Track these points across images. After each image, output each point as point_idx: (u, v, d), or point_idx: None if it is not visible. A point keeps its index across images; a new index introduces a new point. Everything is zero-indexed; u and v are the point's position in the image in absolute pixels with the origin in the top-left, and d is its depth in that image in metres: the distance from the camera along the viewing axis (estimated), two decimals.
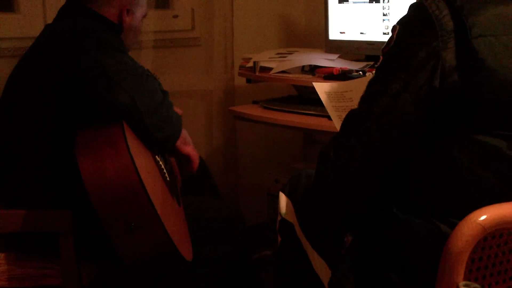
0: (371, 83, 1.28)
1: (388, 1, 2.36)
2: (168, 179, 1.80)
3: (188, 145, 1.91)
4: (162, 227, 1.54)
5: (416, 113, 1.21)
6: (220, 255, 1.96)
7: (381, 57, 1.31)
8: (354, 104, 1.68)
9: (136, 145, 1.63)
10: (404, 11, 2.22)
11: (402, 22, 1.27)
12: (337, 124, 1.66)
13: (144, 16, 2.00)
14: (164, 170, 1.80)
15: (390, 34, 1.28)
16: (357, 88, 1.73)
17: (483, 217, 1.09)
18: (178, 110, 2.02)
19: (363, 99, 1.28)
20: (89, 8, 1.83)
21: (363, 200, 1.32)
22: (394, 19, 2.36)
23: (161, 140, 1.75)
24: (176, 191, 1.93)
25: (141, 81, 1.67)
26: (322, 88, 1.77)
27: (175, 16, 2.81)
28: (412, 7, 1.27)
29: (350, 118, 1.30)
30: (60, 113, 1.68)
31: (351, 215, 1.39)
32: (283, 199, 1.73)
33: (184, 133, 1.88)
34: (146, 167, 1.62)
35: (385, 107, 1.22)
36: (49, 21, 2.36)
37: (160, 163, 1.79)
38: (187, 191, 2.08)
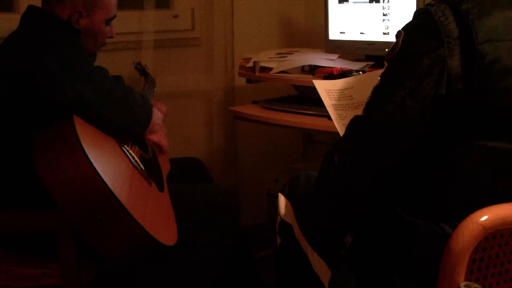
0: (376, 89, 1.28)
1: (388, 1, 2.36)
2: (142, 166, 1.78)
3: (154, 133, 1.90)
4: (129, 215, 1.54)
5: (421, 120, 1.21)
6: (216, 238, 1.97)
7: (385, 63, 1.31)
8: (354, 102, 1.68)
9: (94, 137, 1.64)
10: (404, 11, 2.22)
11: (407, 28, 1.26)
12: (336, 123, 1.66)
13: (109, 19, 1.95)
14: (136, 158, 1.78)
15: (395, 39, 1.27)
16: (357, 85, 1.72)
17: (484, 218, 1.09)
18: (161, 107, 2.03)
19: (368, 105, 1.28)
20: (44, 9, 1.86)
21: (365, 203, 1.32)
22: (394, 19, 2.36)
23: (124, 126, 1.75)
24: (158, 176, 1.92)
25: (85, 72, 1.67)
26: (322, 85, 1.76)
27: (175, 16, 2.81)
28: (417, 13, 1.26)
29: (355, 124, 1.30)
30: (16, 114, 1.69)
31: (353, 217, 1.39)
32: (282, 200, 1.73)
33: (154, 119, 1.87)
34: (106, 158, 1.62)
35: (390, 114, 1.22)
36: None
37: (130, 151, 1.78)
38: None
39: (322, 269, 1.52)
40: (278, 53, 2.67)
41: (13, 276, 1.72)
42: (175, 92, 2.66)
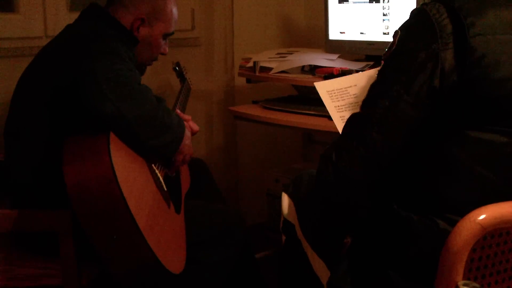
0: (373, 86, 1.30)
1: (388, 1, 2.36)
2: (165, 188, 1.78)
3: (179, 154, 1.86)
4: (145, 242, 1.52)
5: (417, 114, 1.22)
6: (220, 259, 1.96)
7: (382, 62, 1.33)
8: (359, 101, 1.68)
9: (125, 155, 1.62)
10: (404, 11, 2.22)
11: (403, 27, 1.30)
12: (338, 125, 1.65)
13: (166, 35, 1.98)
14: (161, 179, 1.77)
15: (392, 39, 1.30)
16: (361, 82, 1.70)
17: (482, 217, 1.09)
18: (194, 126, 2.01)
19: (365, 102, 1.30)
20: (107, 13, 1.86)
21: (364, 200, 1.33)
22: (394, 19, 2.36)
23: (156, 148, 1.73)
24: (178, 198, 1.91)
25: (130, 89, 1.64)
26: (323, 87, 1.74)
27: None
28: (413, 12, 1.30)
29: (352, 121, 1.32)
30: (55, 114, 1.69)
31: (352, 215, 1.40)
32: (285, 199, 1.74)
33: (183, 141, 1.84)
34: (133, 179, 1.60)
35: (386, 110, 1.24)
36: (49, 21, 2.39)
37: (157, 171, 1.77)
38: (188, 194, 2.08)
39: (321, 269, 1.53)
40: (278, 53, 2.67)
41: (13, 276, 1.72)
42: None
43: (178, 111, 2.11)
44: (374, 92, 1.29)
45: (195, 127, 2.06)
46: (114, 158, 1.52)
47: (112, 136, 1.59)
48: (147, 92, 1.72)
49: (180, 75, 2.47)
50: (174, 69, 2.48)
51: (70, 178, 1.51)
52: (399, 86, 1.22)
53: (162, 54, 2.05)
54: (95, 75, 1.60)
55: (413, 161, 1.27)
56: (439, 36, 1.20)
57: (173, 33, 2.01)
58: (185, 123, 1.89)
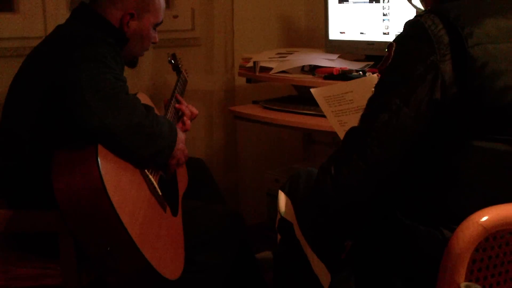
0: (371, 100, 1.29)
1: (388, 1, 2.36)
2: (159, 192, 1.75)
3: (172, 158, 1.82)
4: (139, 252, 1.52)
5: (418, 126, 1.21)
6: (219, 260, 1.96)
7: (378, 75, 1.32)
8: (355, 106, 1.68)
9: (115, 165, 1.60)
10: (404, 11, 2.22)
11: (398, 39, 1.28)
12: (337, 129, 1.65)
13: (156, 25, 1.97)
14: (155, 184, 1.75)
15: (387, 52, 1.29)
16: (358, 88, 1.71)
17: (484, 218, 1.09)
18: (193, 109, 2.04)
19: (364, 116, 1.29)
20: (96, 12, 1.84)
21: (364, 213, 1.32)
22: (394, 19, 2.36)
23: (148, 156, 1.71)
24: (175, 200, 1.90)
25: (117, 102, 1.61)
26: (320, 93, 1.74)
27: (175, 16, 2.81)
28: (407, 24, 1.28)
29: (351, 134, 1.31)
30: (45, 119, 1.69)
31: (352, 226, 1.39)
32: (282, 197, 1.72)
33: (176, 146, 1.80)
34: (125, 189, 1.58)
35: (386, 122, 1.22)
36: (49, 21, 2.39)
37: (150, 176, 1.75)
38: (188, 194, 2.07)
39: (321, 271, 1.52)
40: (278, 53, 2.67)
41: (13, 276, 1.72)
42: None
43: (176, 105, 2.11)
44: (372, 105, 1.27)
45: (194, 110, 2.07)
46: (103, 170, 1.51)
47: (101, 146, 1.57)
48: (134, 102, 1.68)
49: (176, 67, 2.45)
50: (170, 61, 2.45)
51: (60, 192, 1.50)
52: (398, 99, 1.21)
53: (153, 43, 2.03)
54: (81, 86, 1.57)
55: (418, 172, 1.26)
56: (436, 47, 1.19)
57: (162, 21, 1.99)
58: (177, 128, 1.86)
